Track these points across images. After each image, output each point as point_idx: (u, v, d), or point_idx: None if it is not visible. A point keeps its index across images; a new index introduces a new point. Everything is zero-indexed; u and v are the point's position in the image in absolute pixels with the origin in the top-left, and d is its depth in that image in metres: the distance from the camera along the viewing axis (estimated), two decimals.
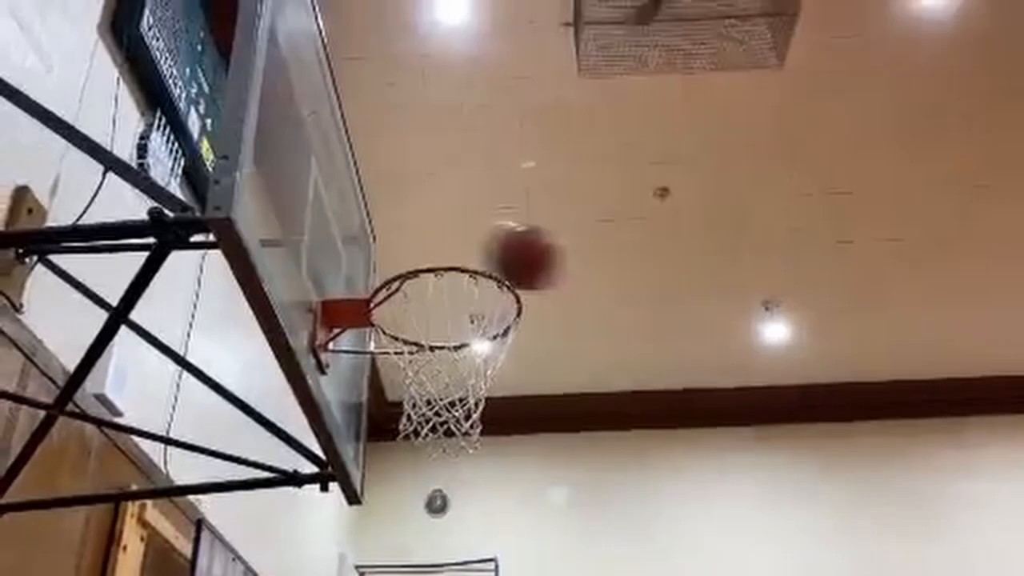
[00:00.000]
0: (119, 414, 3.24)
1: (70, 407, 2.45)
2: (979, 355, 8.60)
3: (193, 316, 3.96)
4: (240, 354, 4.63)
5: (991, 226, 6.89)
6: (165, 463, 3.60)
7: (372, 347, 2.25)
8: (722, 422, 9.20)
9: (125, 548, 3.18)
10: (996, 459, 9.01)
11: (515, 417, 9.07)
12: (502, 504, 8.91)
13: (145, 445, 3.47)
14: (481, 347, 2.01)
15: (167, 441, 2.64)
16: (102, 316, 2.69)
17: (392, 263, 3.59)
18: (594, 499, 8.96)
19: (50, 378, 2.69)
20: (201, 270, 4.09)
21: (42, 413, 2.62)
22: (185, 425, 3.87)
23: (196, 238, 1.50)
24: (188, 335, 3.81)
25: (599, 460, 9.14)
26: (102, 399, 3.13)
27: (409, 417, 2.02)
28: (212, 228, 1.30)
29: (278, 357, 1.64)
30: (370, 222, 2.81)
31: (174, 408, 3.74)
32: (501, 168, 6.21)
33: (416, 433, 2.01)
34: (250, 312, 1.55)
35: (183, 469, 3.68)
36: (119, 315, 1.71)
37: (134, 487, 3.25)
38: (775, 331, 8.03)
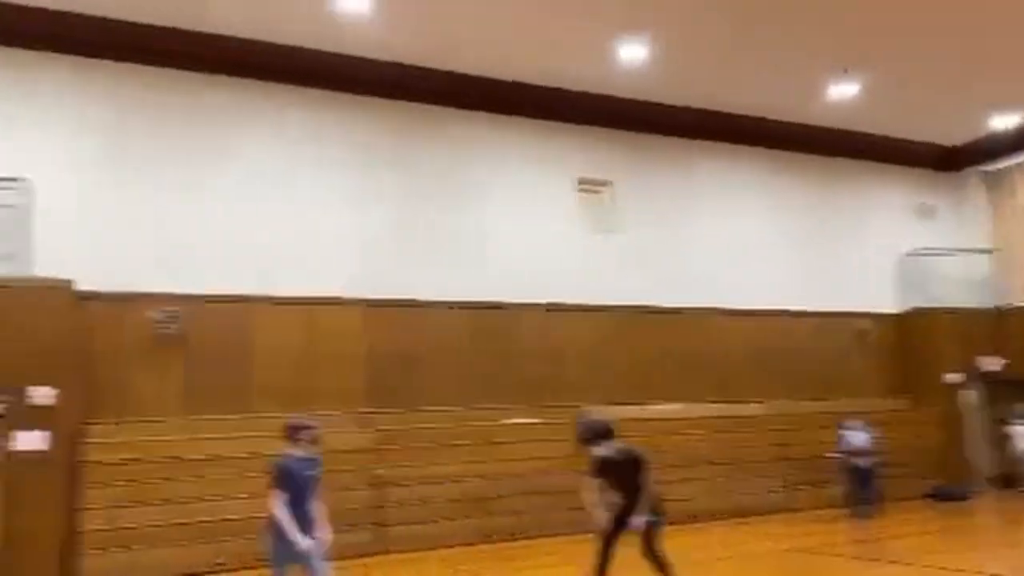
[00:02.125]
0: None
1: None
2: (519, 60, 9.81)
3: None
4: None
5: None
6: None
7: None
8: (282, 78, 9.32)
9: None
10: (518, 157, 10.63)
11: (62, 32, 8.29)
12: (38, 123, 8.28)
13: None
14: None
15: None
16: None
17: None
18: (142, 132, 8.69)
19: None
20: None
21: None
22: None
23: None
24: None
25: (152, 94, 8.77)
26: None
27: None
28: None
29: None
30: None
31: None
32: None
33: None
34: None
35: None
36: None
37: None
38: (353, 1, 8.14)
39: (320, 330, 9.08)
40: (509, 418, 9.56)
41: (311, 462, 4.99)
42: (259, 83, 9.27)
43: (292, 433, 5.00)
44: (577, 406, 9.33)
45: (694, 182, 11.75)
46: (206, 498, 7.75)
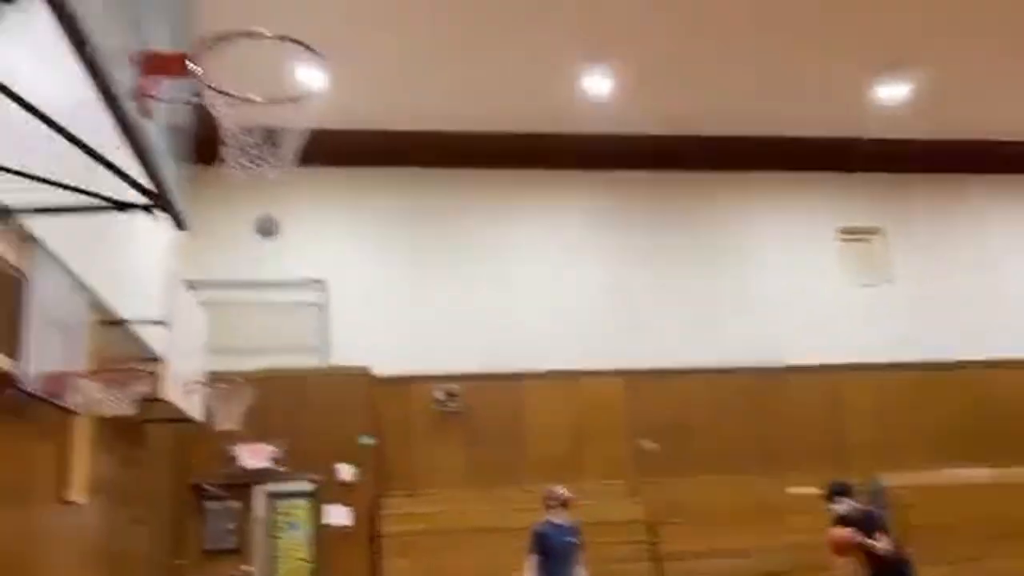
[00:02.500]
0: None
1: None
2: (766, 113, 9.60)
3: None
4: (55, 68, 4.59)
5: None
6: None
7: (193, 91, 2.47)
8: (545, 164, 9.88)
9: None
10: (773, 212, 10.35)
11: (349, 148, 9.33)
12: (332, 230, 9.40)
13: None
14: (294, 101, 2.30)
15: None
16: None
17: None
18: (419, 230, 9.60)
19: None
20: None
21: None
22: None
23: None
24: None
25: (425, 194, 9.69)
26: None
27: (227, 153, 2.32)
28: None
29: (107, 103, 1.88)
30: None
31: None
32: None
33: (237, 165, 2.32)
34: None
35: (5, 193, 3.81)
36: None
37: None
38: (598, 84, 8.49)
39: (586, 402, 9.26)
40: (789, 487, 9.04)
41: (569, 528, 5.11)
42: (521, 171, 9.86)
43: (545, 501, 5.22)
44: (865, 473, 8.67)
45: (979, 220, 10.68)
46: (487, 569, 8.01)
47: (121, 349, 5.89)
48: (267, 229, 9.20)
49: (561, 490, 5.30)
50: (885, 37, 8.15)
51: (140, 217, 6.82)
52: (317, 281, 9.03)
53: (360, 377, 8.47)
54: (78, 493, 4.78)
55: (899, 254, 10.39)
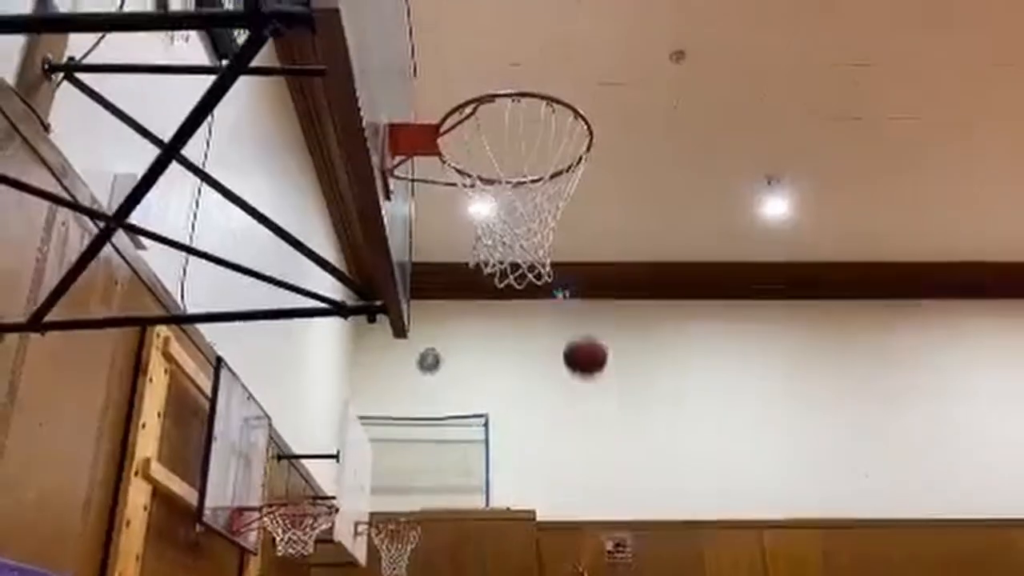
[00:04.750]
0: (143, 247, 3.20)
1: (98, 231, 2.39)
2: (970, 240, 8.78)
3: (207, 153, 3.85)
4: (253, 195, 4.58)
5: (1009, 107, 6.85)
6: (182, 298, 3.59)
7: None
8: (719, 294, 9.35)
9: (151, 379, 3.20)
10: (975, 341, 9.31)
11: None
12: (493, 364, 9.09)
13: (168, 284, 3.45)
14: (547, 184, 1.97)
15: (216, 260, 2.50)
16: (126, 134, 2.61)
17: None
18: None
19: (81, 207, 2.61)
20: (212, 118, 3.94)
21: (75, 242, 2.58)
22: (202, 262, 3.85)
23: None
24: (203, 165, 3.70)
25: (589, 326, 9.23)
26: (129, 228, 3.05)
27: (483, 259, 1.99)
28: (318, 22, 1.21)
29: (356, 176, 1.58)
30: (413, 54, 2.68)
31: (192, 239, 3.72)
32: (514, 26, 5.98)
33: (496, 275, 2.00)
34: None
35: (200, 309, 3.69)
36: (170, 151, 1.63)
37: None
38: (775, 205, 8.04)
39: (774, 556, 8.25)
40: None
41: None
42: (695, 302, 9.35)
43: None
44: None
45: None
46: None
47: (292, 485, 5.62)
48: (428, 363, 9.03)
49: None
50: None
51: (315, 351, 6.69)
52: (479, 416, 8.65)
53: (526, 522, 7.87)
54: None
55: None
